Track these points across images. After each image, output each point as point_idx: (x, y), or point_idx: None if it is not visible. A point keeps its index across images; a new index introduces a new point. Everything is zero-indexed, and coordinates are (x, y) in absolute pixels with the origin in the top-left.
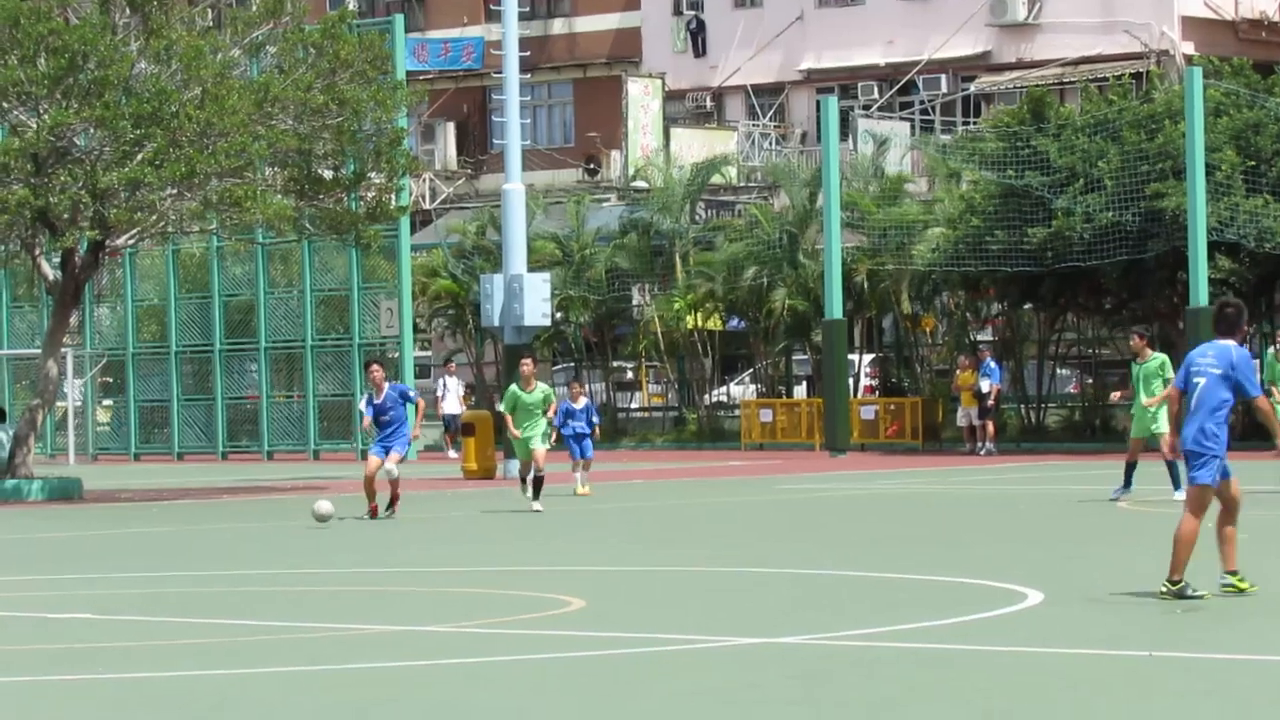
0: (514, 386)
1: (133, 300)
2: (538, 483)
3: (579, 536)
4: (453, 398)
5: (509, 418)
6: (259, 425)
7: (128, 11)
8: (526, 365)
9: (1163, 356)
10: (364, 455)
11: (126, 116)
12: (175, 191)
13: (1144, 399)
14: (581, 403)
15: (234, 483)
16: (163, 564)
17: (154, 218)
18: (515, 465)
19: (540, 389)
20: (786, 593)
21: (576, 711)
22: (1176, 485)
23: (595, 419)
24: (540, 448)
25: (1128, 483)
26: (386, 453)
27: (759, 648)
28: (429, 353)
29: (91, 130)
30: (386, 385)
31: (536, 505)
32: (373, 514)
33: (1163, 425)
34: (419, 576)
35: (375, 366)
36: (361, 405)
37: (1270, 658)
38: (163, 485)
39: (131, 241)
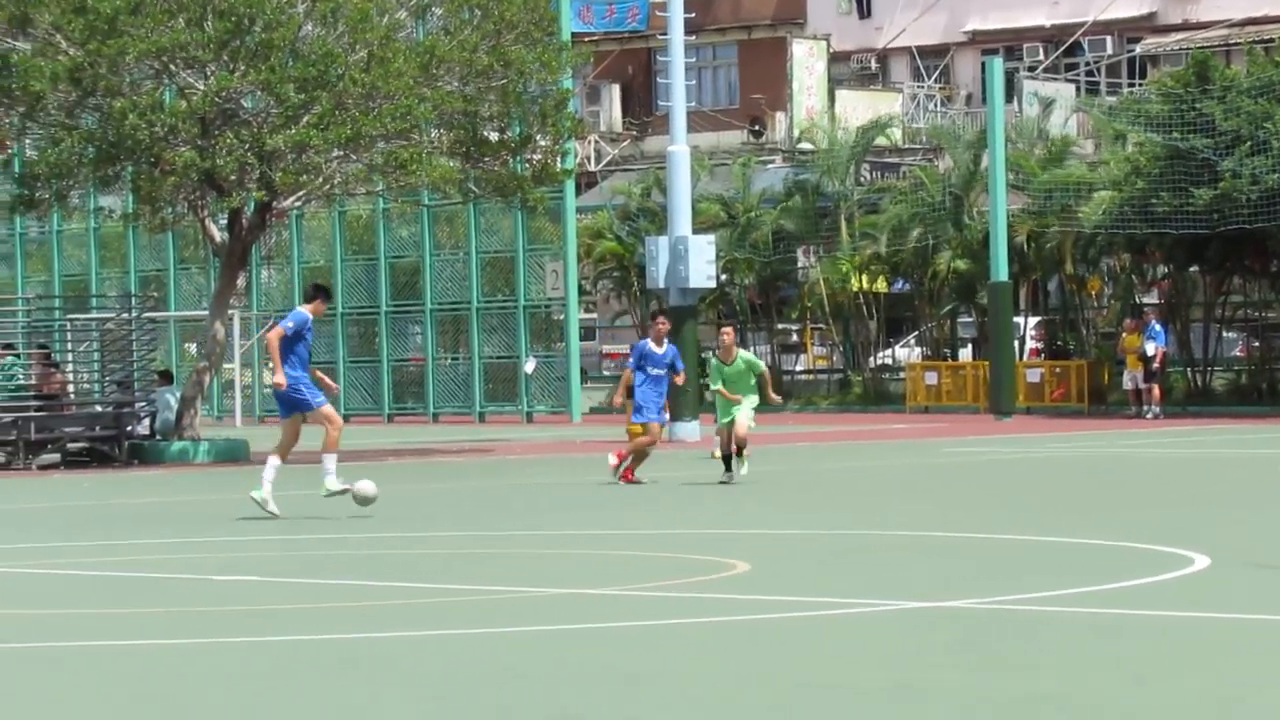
0: (714, 359)
1: (299, 262)
2: (739, 449)
3: (744, 500)
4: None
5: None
6: (424, 388)
7: None
8: (728, 334)
9: None
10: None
11: (292, 79)
12: (341, 154)
13: None
14: (665, 346)
15: (399, 444)
16: (330, 527)
17: (320, 180)
18: (684, 427)
19: (742, 358)
20: (951, 557)
21: (746, 673)
22: None
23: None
24: (744, 419)
25: None
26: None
27: (925, 611)
28: (594, 315)
29: (258, 93)
30: (667, 343)
31: (730, 475)
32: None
33: None
34: (584, 540)
35: (662, 319)
36: (634, 357)
37: None
38: None
39: (298, 204)
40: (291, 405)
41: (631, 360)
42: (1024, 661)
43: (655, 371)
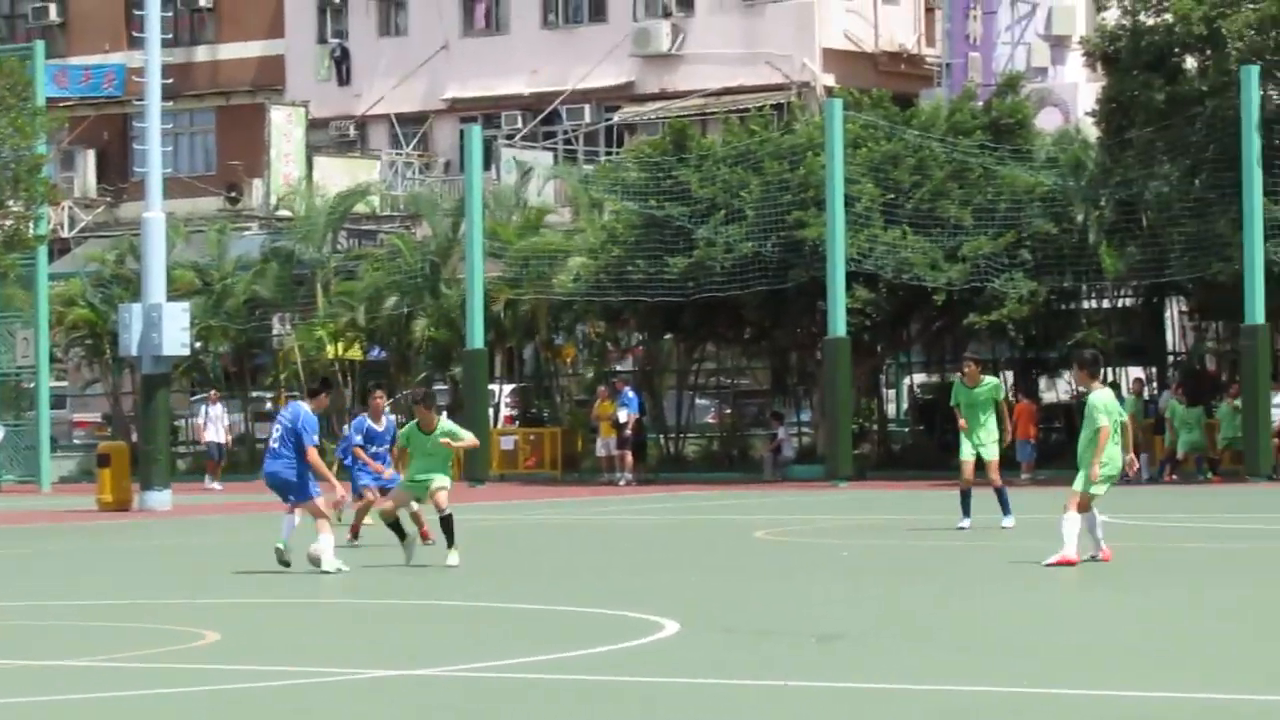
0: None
1: None
2: (446, 523)
3: (219, 568)
4: (216, 426)
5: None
6: None
7: None
8: (379, 399)
9: (994, 380)
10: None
11: None
12: None
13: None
14: (384, 423)
15: None
16: None
17: None
18: (154, 496)
19: (443, 429)
20: (424, 624)
21: None
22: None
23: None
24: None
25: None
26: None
27: (398, 680)
28: (65, 382)
29: None
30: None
31: (453, 559)
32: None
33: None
34: (51, 611)
35: (380, 393)
36: (354, 435)
37: (906, 686)
38: None
39: None
40: None
41: (355, 439)
42: None
43: (378, 450)
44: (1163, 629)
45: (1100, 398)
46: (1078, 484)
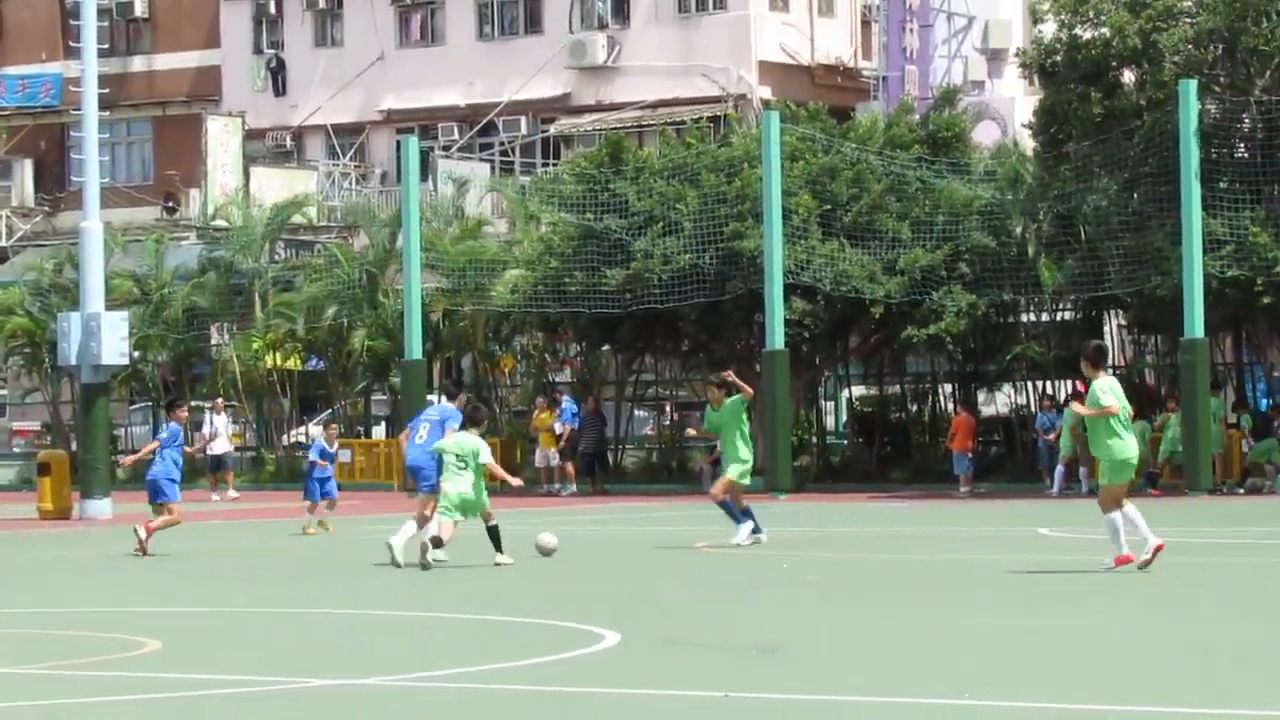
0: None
1: None
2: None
3: (162, 577)
4: (222, 437)
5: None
6: None
7: None
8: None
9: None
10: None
11: None
12: None
13: None
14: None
15: None
16: None
17: None
18: (94, 505)
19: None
20: (365, 635)
21: None
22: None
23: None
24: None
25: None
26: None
27: (337, 690)
28: (4, 391)
29: None
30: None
31: (504, 558)
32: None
33: None
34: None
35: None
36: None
37: (842, 698)
38: None
39: None
40: None
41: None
42: None
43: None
44: (1101, 645)
45: (1106, 382)
46: (1103, 478)
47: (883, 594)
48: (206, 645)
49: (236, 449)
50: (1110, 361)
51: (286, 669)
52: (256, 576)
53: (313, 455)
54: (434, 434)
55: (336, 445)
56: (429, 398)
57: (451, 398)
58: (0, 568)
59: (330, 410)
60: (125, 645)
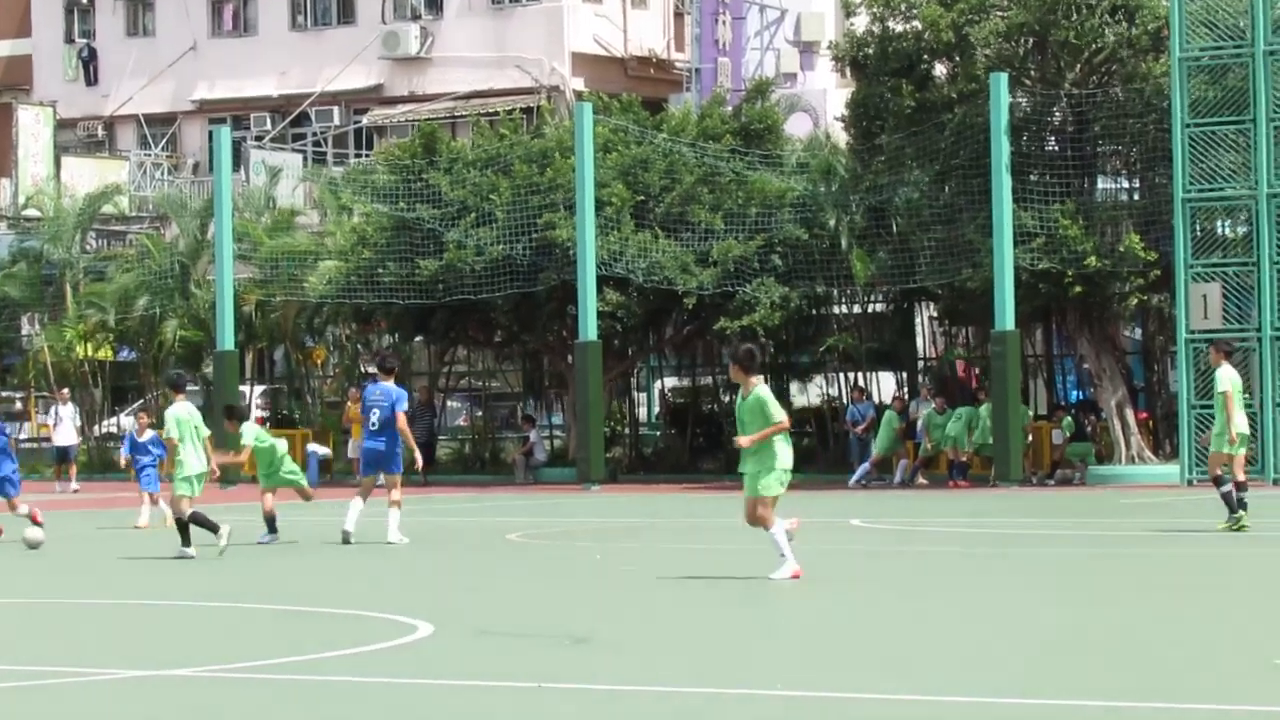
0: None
1: None
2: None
3: None
4: (68, 427)
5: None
6: None
7: None
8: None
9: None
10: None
11: None
12: None
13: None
14: (148, 435)
15: None
16: None
17: None
18: None
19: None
20: (177, 625)
21: None
22: None
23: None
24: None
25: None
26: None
27: (149, 680)
28: None
29: None
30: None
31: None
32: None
33: None
34: None
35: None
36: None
37: (657, 688)
38: None
39: None
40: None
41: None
42: None
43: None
44: (902, 631)
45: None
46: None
47: (695, 584)
48: (15, 636)
49: (48, 439)
50: (922, 353)
51: (96, 660)
52: (73, 566)
53: (125, 450)
54: (386, 418)
55: (149, 434)
56: (240, 388)
57: (389, 373)
58: None
59: (141, 400)
60: None
